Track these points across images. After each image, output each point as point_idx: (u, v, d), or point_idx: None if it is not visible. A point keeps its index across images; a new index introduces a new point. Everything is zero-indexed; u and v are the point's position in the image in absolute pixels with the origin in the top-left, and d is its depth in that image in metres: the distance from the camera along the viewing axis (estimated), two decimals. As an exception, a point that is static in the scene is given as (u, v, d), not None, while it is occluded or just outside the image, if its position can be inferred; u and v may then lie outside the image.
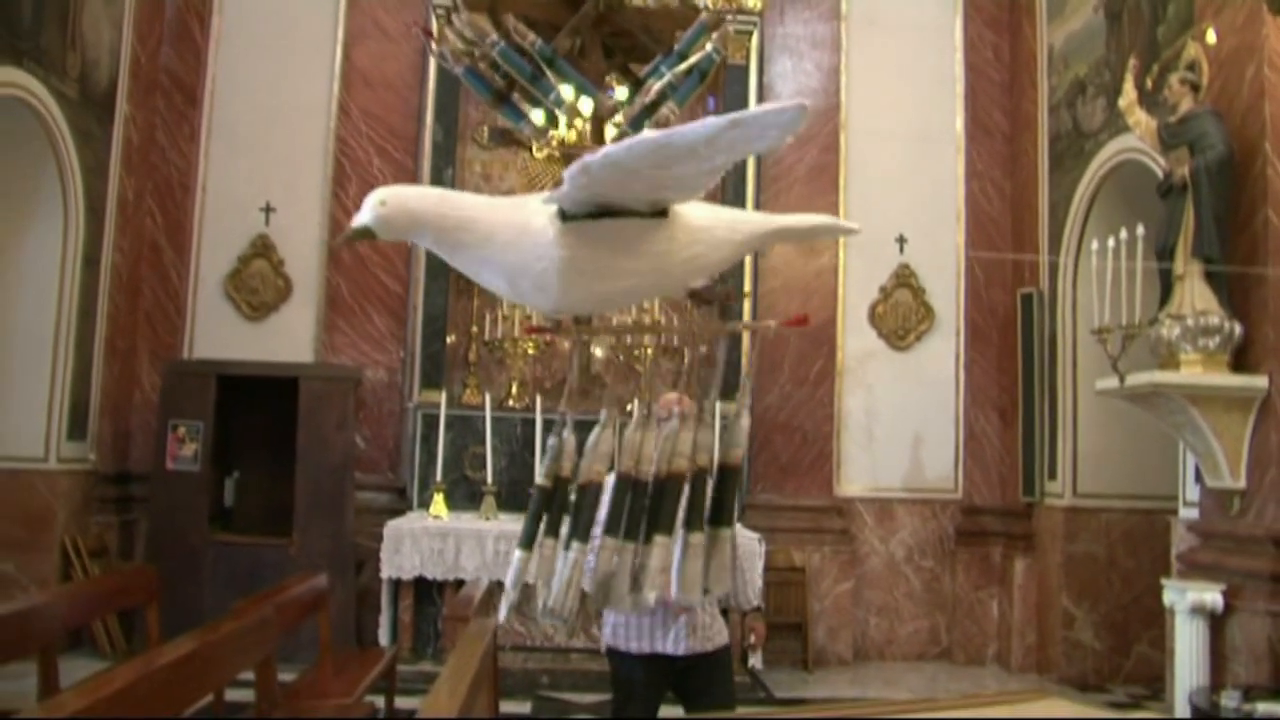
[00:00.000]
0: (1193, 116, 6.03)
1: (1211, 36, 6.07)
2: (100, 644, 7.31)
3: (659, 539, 2.39)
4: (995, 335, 8.89)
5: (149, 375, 8.36)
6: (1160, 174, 6.30)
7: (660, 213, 2.32)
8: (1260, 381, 5.76)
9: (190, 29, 8.77)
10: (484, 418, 7.91)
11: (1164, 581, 6.25)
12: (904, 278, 8.94)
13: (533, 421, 7.94)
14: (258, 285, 8.65)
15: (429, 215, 2.33)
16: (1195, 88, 6.12)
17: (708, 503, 2.45)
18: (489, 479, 7.83)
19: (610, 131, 7.86)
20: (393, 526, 7.44)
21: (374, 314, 8.68)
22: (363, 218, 2.31)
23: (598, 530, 2.43)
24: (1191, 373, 5.89)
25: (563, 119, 7.86)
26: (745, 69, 8.81)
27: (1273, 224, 5.71)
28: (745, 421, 2.52)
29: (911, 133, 9.02)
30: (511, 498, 7.90)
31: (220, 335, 8.53)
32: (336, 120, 8.82)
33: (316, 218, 8.74)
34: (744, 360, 7.42)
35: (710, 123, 1.95)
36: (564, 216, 2.27)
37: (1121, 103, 6.67)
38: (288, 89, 8.80)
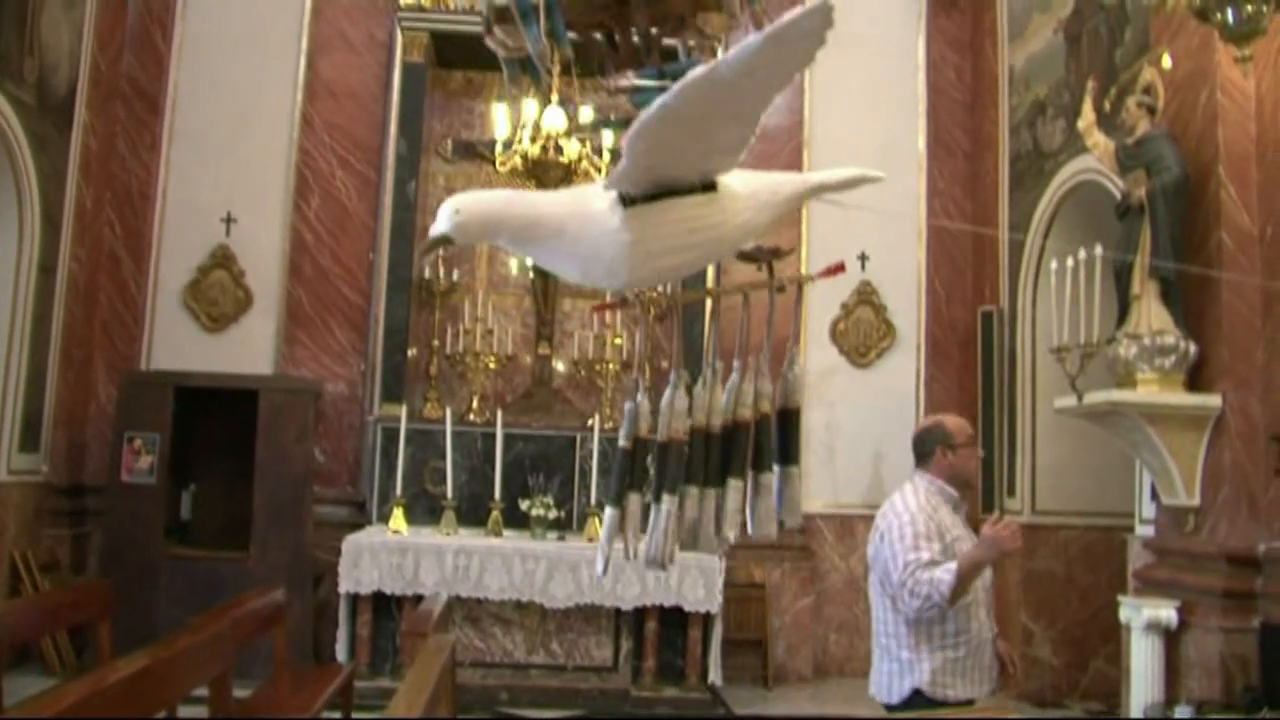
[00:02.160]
0: (1149, 139, 6.10)
1: (1167, 61, 6.15)
2: (50, 661, 7.18)
3: (733, 482, 2.60)
4: (956, 353, 8.96)
5: (105, 386, 8.27)
6: (1118, 195, 6.37)
7: (709, 187, 2.47)
8: (1214, 400, 5.83)
9: (152, 36, 8.70)
10: (444, 432, 7.87)
11: (1120, 598, 6.31)
12: (866, 295, 8.99)
13: (493, 435, 7.90)
14: (217, 296, 8.58)
15: (501, 218, 2.50)
16: (1151, 111, 6.21)
17: (774, 445, 2.66)
18: (449, 493, 7.78)
19: (573, 146, 7.91)
20: (352, 541, 7.38)
21: (335, 326, 8.64)
22: (440, 227, 2.45)
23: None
24: (1148, 391, 5.96)
25: (526, 134, 7.92)
26: (709, 85, 8.83)
27: (1226, 245, 5.79)
28: (800, 369, 2.76)
29: (874, 151, 9.06)
30: (471, 512, 7.86)
31: (179, 346, 8.46)
32: (299, 131, 8.77)
33: (278, 229, 8.68)
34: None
35: (749, 42, 2.04)
36: (624, 202, 2.41)
37: (1080, 124, 6.75)
38: (250, 98, 8.74)
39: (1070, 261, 6.27)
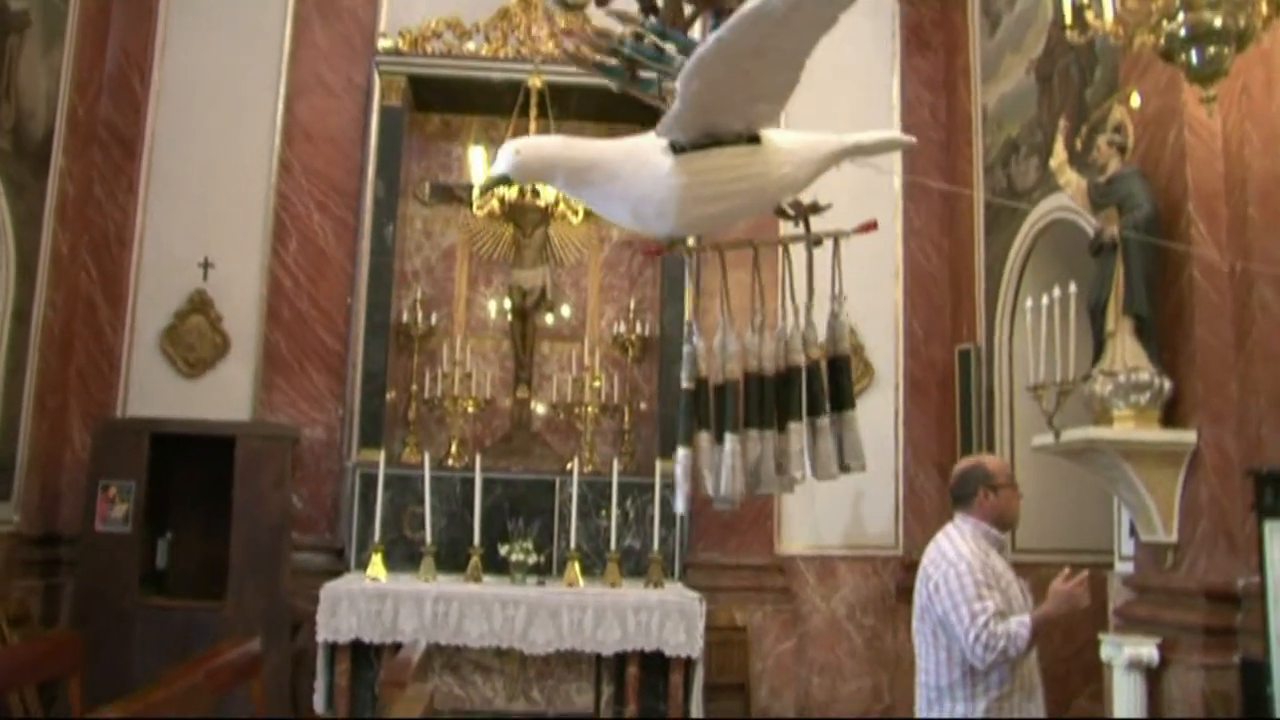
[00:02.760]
0: (1120, 177, 6.15)
1: (1136, 100, 6.21)
2: (15, 717, 7.06)
3: (792, 425, 2.78)
4: (934, 391, 8.98)
5: (80, 433, 8.20)
6: (1091, 233, 6.41)
7: (753, 139, 2.65)
8: (1189, 436, 5.84)
9: (130, 81, 8.71)
10: (423, 477, 7.84)
11: (1101, 636, 6.28)
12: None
13: (472, 480, 7.87)
14: (194, 342, 8.55)
15: (559, 158, 2.68)
16: (1122, 149, 6.25)
17: (824, 391, 2.82)
18: (428, 539, 7.74)
19: (550, 190, 7.94)
20: (330, 588, 7.33)
21: (313, 371, 8.60)
22: (499, 167, 2.63)
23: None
24: (1124, 428, 5.96)
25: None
26: (686, 128, 8.88)
27: (1198, 282, 5.83)
28: (845, 317, 2.91)
29: (850, 189, 9.04)
30: (451, 558, 7.81)
31: (155, 392, 8.41)
32: (277, 175, 8.78)
33: (255, 273, 8.67)
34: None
35: None
36: (675, 150, 2.58)
37: (1053, 163, 6.79)
38: (229, 143, 8.76)
39: (1045, 299, 6.30)
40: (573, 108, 8.74)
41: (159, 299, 8.56)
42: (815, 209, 3.02)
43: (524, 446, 8.66)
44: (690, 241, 3.15)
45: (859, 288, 9.09)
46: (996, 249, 8.29)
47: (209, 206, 8.66)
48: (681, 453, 2.78)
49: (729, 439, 2.74)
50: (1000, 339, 8.17)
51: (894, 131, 3.30)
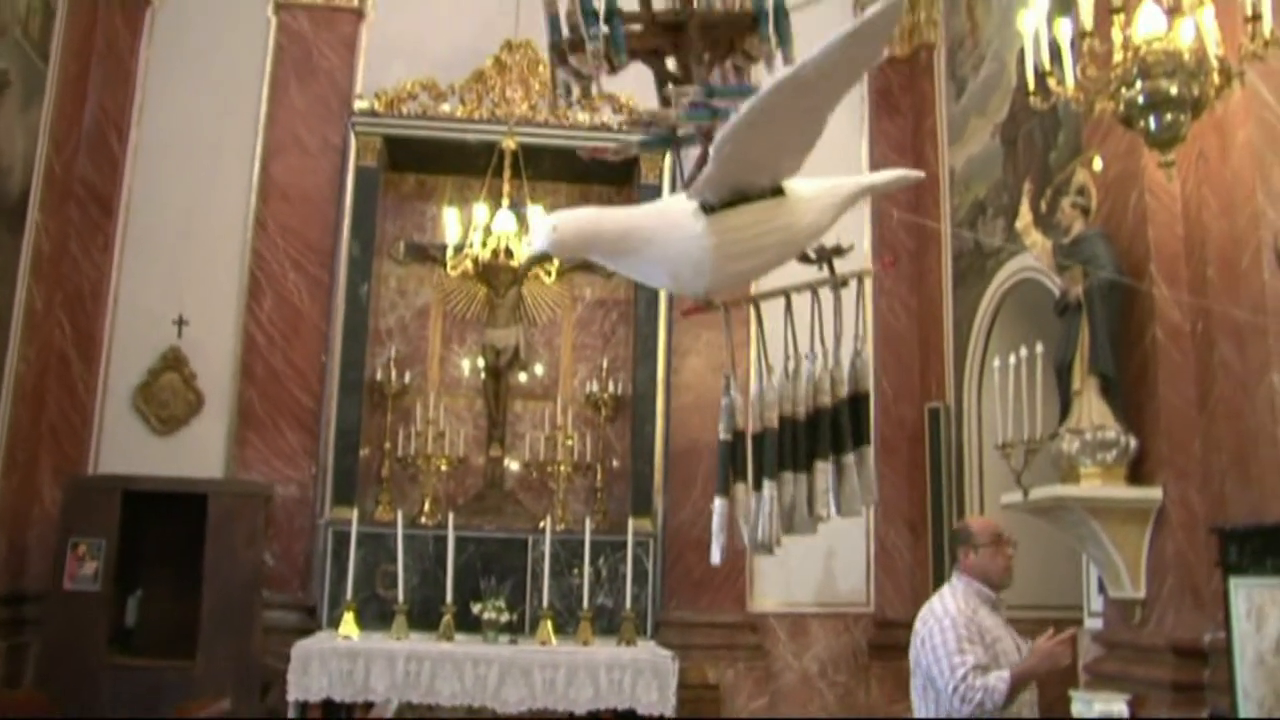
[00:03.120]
0: (1084, 238, 6.28)
1: (1098, 163, 6.36)
2: (-18, 778, 6.98)
3: (819, 464, 2.84)
4: (904, 449, 9.05)
5: (50, 490, 8.13)
6: (1057, 292, 6.53)
7: (777, 192, 2.74)
8: (1155, 493, 5.92)
9: (108, 139, 8.77)
10: (396, 535, 7.83)
11: (1072, 692, 6.31)
12: (815, 393, 9.07)
13: (445, 538, 7.86)
14: (168, 398, 8.55)
15: (595, 231, 2.75)
16: (1085, 211, 6.40)
17: (849, 428, 2.89)
18: (400, 597, 7.71)
19: (524, 249, 8.02)
20: (301, 646, 7.27)
21: (286, 429, 8.59)
22: (539, 244, 2.70)
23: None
24: (1091, 486, 6.04)
25: (477, 237, 8.04)
26: (658, 188, 8.99)
27: (1161, 341, 5.94)
28: (867, 354, 2.98)
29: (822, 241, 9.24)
30: (423, 616, 7.77)
31: (128, 449, 8.39)
32: (253, 233, 8.83)
33: (230, 330, 8.70)
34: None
35: (830, 42, 2.30)
36: (705, 210, 2.66)
37: (1018, 224, 6.93)
38: (205, 201, 8.82)
39: (1013, 359, 6.40)
40: (546, 169, 8.87)
41: (133, 355, 8.57)
42: (839, 252, 3.12)
43: (497, 504, 8.67)
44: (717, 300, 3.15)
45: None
46: (964, 308, 8.42)
47: (185, 264, 8.71)
48: (719, 503, 2.85)
49: (767, 485, 2.81)
50: (969, 397, 8.28)
51: (904, 170, 3.44)
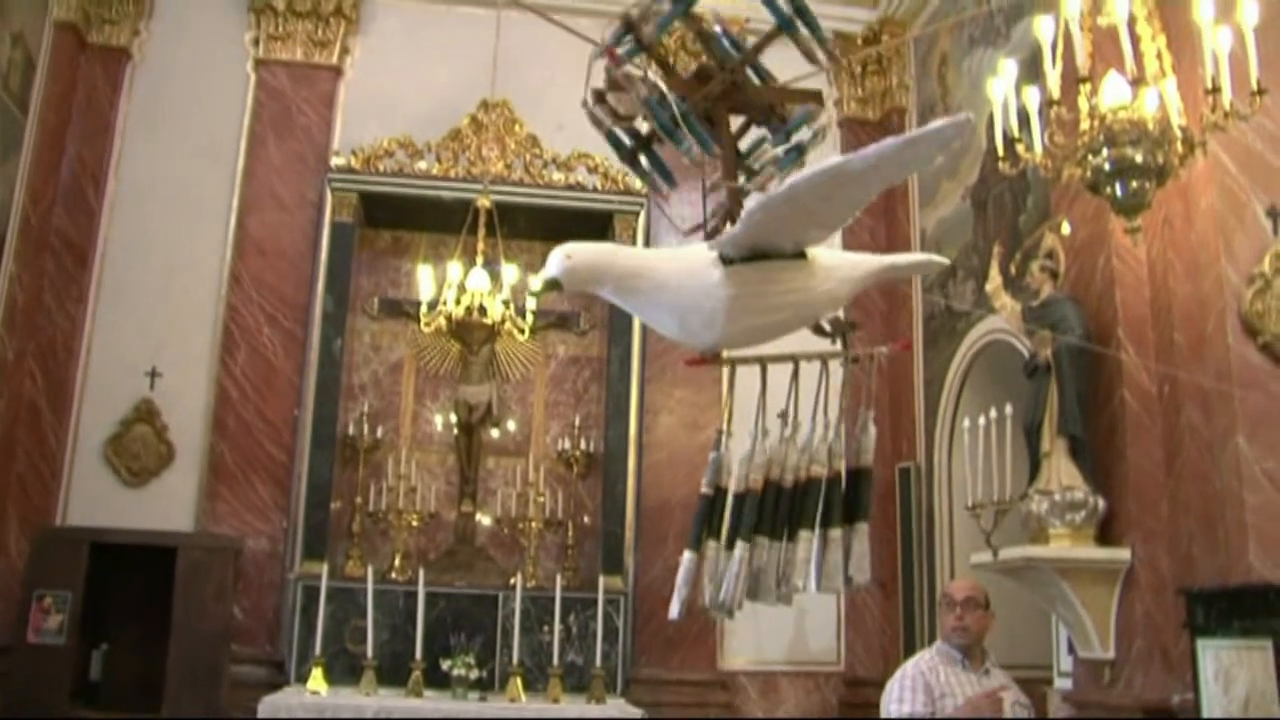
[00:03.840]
0: (1053, 301, 6.38)
1: (1066, 227, 6.48)
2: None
3: (803, 534, 2.76)
4: (875, 508, 8.98)
5: (17, 541, 8.04)
6: (1026, 355, 6.62)
7: (799, 255, 2.72)
8: (1124, 554, 5.97)
9: (85, 191, 8.78)
10: (366, 590, 7.79)
11: (1042, 753, 6.33)
12: (787, 451, 9.10)
13: (415, 594, 7.83)
14: (139, 450, 8.49)
15: (608, 266, 2.70)
16: (1054, 274, 6.50)
17: (841, 502, 2.82)
18: (370, 653, 7.66)
19: (498, 307, 8.07)
20: (269, 702, 7.20)
21: (258, 482, 8.54)
22: (551, 271, 2.65)
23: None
24: (1060, 546, 6.08)
25: (451, 294, 8.08)
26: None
27: (1129, 403, 6.02)
28: (872, 430, 2.91)
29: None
30: (392, 671, 7.71)
31: (97, 501, 8.32)
32: (228, 287, 8.83)
33: (203, 383, 8.67)
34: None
35: (887, 143, 2.32)
36: (724, 262, 2.63)
37: (988, 287, 7.02)
38: (180, 255, 8.83)
39: (983, 420, 6.47)
40: (521, 227, 8.95)
41: (105, 407, 8.52)
42: (853, 326, 3.08)
43: (468, 561, 8.64)
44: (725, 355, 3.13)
45: (802, 408, 9.32)
46: (935, 369, 8.50)
47: (159, 316, 8.69)
48: (687, 556, 2.81)
49: (739, 546, 2.76)
50: (939, 457, 8.33)
51: (927, 255, 3.48)
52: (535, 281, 2.69)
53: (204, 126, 9.11)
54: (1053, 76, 5.13)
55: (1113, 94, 5.08)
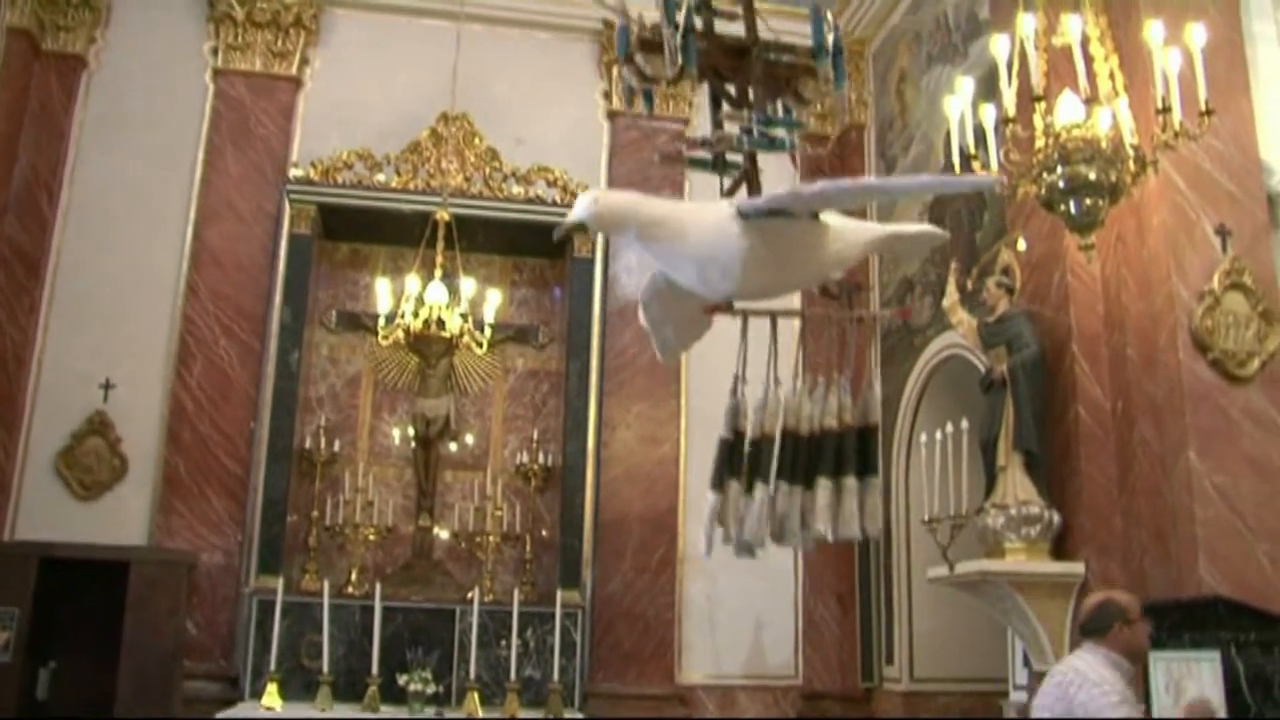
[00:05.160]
0: (1008, 317, 6.45)
1: (1022, 244, 6.56)
2: None
3: (821, 482, 2.92)
4: (833, 523, 9.10)
5: (-36, 558, 7.94)
6: (982, 370, 6.67)
7: (813, 216, 2.87)
8: (1078, 568, 6.03)
9: (38, 201, 8.68)
10: (322, 604, 7.73)
11: (997, 766, 6.37)
12: (745, 466, 9.13)
13: (372, 608, 7.77)
14: (92, 463, 8.37)
15: (633, 212, 2.84)
16: (1010, 291, 6.57)
17: (854, 455, 2.98)
18: (325, 668, 7.59)
19: (455, 320, 8.04)
20: (223, 718, 7.13)
21: (213, 496, 8.45)
22: (578, 214, 2.79)
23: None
24: (1015, 560, 6.14)
25: (409, 307, 8.05)
26: (591, 262, 9.09)
27: (1083, 418, 6.09)
28: (877, 389, 3.11)
29: (754, 328, 9.34)
30: (349, 687, 7.66)
31: (48, 515, 8.19)
32: (184, 299, 8.74)
33: (158, 396, 8.57)
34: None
35: (923, 179, 3.27)
36: (742, 216, 2.77)
37: (945, 303, 7.08)
38: (136, 265, 8.73)
39: (939, 434, 6.51)
40: (479, 240, 8.95)
41: (56, 419, 8.41)
42: (858, 289, 3.28)
43: (425, 575, 8.59)
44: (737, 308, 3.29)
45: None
46: (893, 384, 8.54)
47: (113, 328, 8.59)
48: (712, 497, 2.97)
49: (760, 489, 2.90)
50: (897, 472, 8.38)
51: (931, 227, 3.68)
52: (566, 223, 2.88)
53: (161, 136, 9.03)
54: (1008, 95, 5.19)
55: (1067, 112, 5.16)
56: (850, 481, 2.97)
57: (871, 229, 3.15)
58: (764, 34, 3.22)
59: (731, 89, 3.21)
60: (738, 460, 2.97)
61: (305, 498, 8.67)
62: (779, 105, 3.21)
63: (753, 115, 3.12)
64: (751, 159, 3.12)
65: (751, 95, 3.14)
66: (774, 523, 2.91)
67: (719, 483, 2.97)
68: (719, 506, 2.95)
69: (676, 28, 2.97)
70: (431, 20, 9.39)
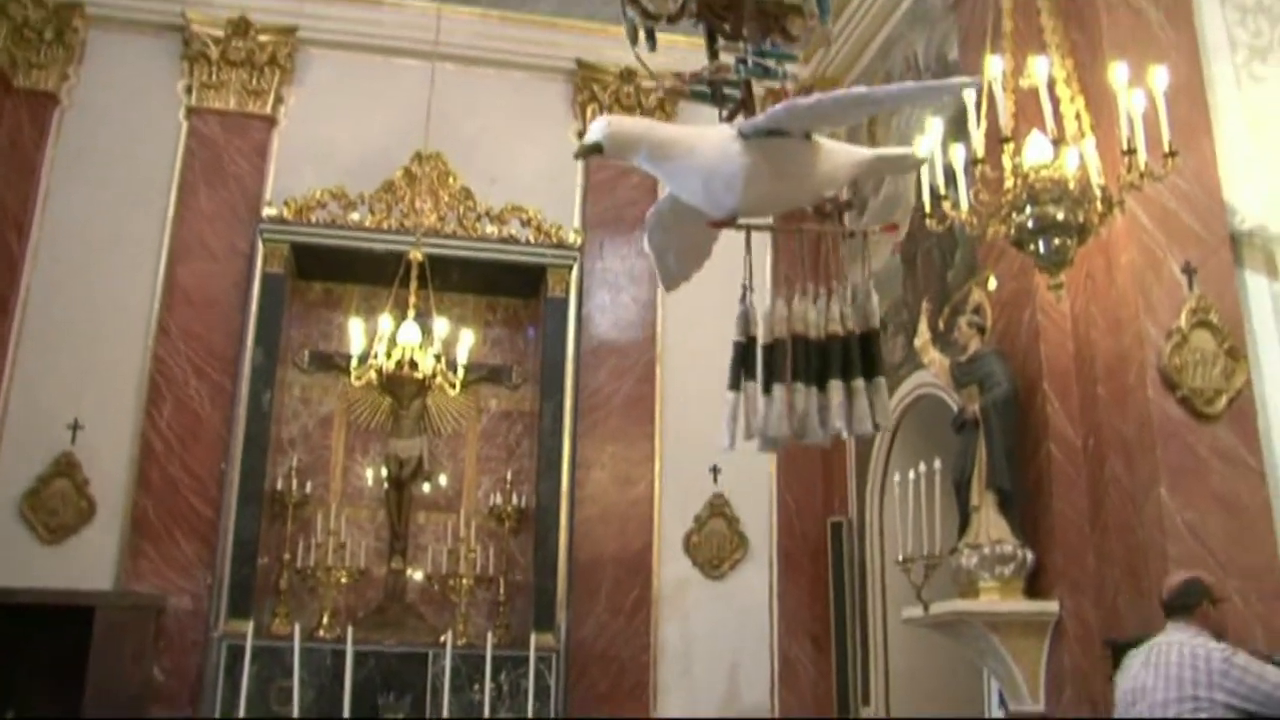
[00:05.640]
0: (980, 356, 6.47)
1: (992, 283, 6.59)
2: None
3: (832, 384, 3.09)
4: (807, 563, 9.09)
5: (-76, 602, 7.80)
6: (955, 409, 6.69)
7: (806, 136, 3.10)
8: (1052, 607, 6.02)
9: (7, 238, 8.58)
10: (293, 649, 7.62)
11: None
12: (718, 507, 9.13)
13: (343, 653, 7.67)
14: (58, 506, 8.24)
15: (644, 135, 3.09)
16: (981, 330, 6.60)
17: (860, 358, 3.15)
18: (296, 713, 7.49)
19: (428, 361, 8.01)
20: (189, 765, 7.04)
21: (182, 538, 8.33)
22: (593, 136, 3.02)
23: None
24: (989, 600, 6.12)
25: (382, 348, 8.02)
26: (565, 301, 9.10)
27: (1055, 456, 6.10)
28: (875, 297, 3.23)
29: (725, 365, 9.33)
30: (319, 733, 7.57)
31: (12, 559, 8.02)
32: (155, 338, 8.65)
33: (127, 437, 8.46)
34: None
35: (908, 86, 3.13)
36: (743, 136, 3.01)
37: (917, 342, 7.11)
38: (106, 304, 8.64)
39: (912, 474, 6.51)
40: (454, 280, 8.95)
41: (22, 461, 8.27)
42: (849, 205, 3.54)
43: (397, 618, 8.50)
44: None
45: (733, 461, 9.34)
46: (866, 424, 8.54)
47: (82, 367, 8.48)
48: (730, 396, 3.08)
49: (778, 389, 3.05)
50: (871, 511, 8.38)
51: (908, 149, 4.40)
52: (582, 145, 3.10)
53: (134, 174, 8.98)
54: (977, 136, 5.24)
55: (1035, 153, 5.20)
56: (859, 383, 3.14)
57: (859, 151, 3.39)
58: None
59: (726, 27, 3.46)
60: (751, 362, 3.15)
61: (276, 540, 8.58)
62: (768, 41, 3.45)
63: (747, 47, 3.36)
64: (747, 86, 3.37)
65: (745, 30, 3.39)
66: (794, 421, 3.08)
67: (735, 384, 3.11)
68: (736, 404, 3.10)
69: None
70: (406, 59, 9.42)
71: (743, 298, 3.21)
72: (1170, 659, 4.31)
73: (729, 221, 3.29)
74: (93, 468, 8.37)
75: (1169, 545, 5.48)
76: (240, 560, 8.17)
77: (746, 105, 3.37)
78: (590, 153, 3.07)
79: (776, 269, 8.64)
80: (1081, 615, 5.96)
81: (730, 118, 3.36)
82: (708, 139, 3.10)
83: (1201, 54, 6.44)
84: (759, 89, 3.58)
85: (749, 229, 3.32)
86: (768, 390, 3.08)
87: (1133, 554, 5.70)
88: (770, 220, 3.58)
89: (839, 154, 3.25)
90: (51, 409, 8.38)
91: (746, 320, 3.16)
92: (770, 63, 3.37)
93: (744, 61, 3.34)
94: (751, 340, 3.15)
